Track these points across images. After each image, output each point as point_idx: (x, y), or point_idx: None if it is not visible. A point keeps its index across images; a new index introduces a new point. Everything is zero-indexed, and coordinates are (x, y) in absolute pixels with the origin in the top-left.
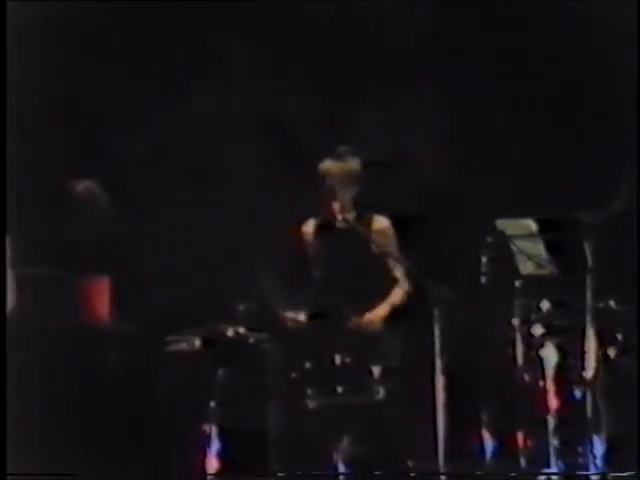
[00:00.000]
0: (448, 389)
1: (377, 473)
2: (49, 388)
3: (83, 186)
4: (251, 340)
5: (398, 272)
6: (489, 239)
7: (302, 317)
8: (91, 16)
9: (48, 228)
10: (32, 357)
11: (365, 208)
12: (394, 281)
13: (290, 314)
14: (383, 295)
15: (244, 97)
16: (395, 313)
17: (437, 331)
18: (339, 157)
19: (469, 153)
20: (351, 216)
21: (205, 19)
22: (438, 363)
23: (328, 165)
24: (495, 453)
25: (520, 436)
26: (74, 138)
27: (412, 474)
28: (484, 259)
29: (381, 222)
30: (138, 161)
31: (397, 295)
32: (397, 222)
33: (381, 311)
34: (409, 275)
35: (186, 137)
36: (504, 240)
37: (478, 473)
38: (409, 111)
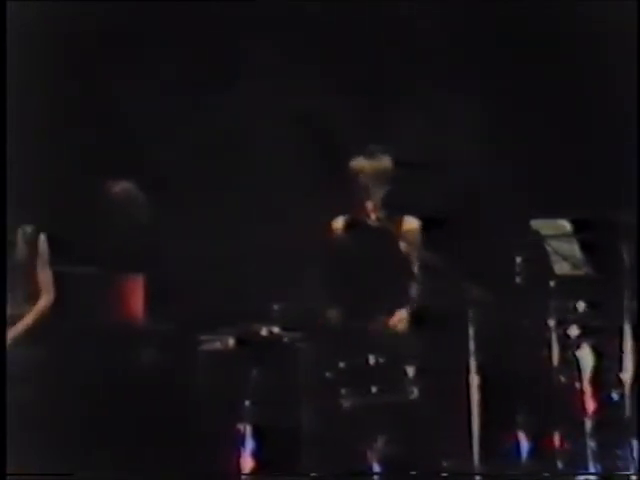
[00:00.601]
0: (482, 389)
1: (411, 473)
2: (84, 386)
3: (120, 187)
4: (285, 339)
5: (417, 271)
6: (524, 239)
7: (335, 314)
8: (121, 15)
9: (85, 227)
10: (67, 354)
11: (396, 207)
12: (412, 279)
13: (324, 313)
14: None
15: (277, 96)
16: (429, 313)
17: (471, 331)
18: (371, 155)
19: (504, 152)
20: (382, 215)
21: (237, 18)
22: (472, 363)
23: (360, 163)
24: (531, 454)
25: (556, 438)
26: (111, 139)
27: (444, 474)
28: (519, 259)
29: (411, 223)
30: (173, 161)
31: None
32: (431, 222)
33: (404, 314)
34: (432, 276)
35: (220, 136)
36: (539, 240)
37: (511, 473)
38: (443, 110)
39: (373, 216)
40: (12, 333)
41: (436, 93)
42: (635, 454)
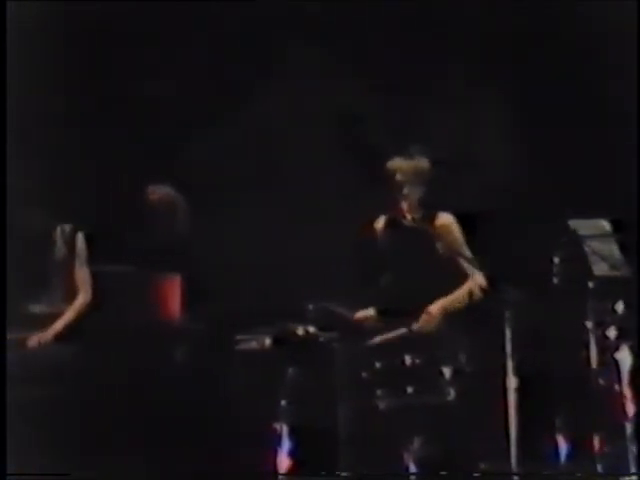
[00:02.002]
0: (520, 391)
1: (447, 473)
2: (120, 385)
3: (161, 191)
4: (321, 339)
5: (466, 266)
6: (562, 239)
7: (371, 313)
8: (157, 14)
9: (123, 227)
10: (104, 353)
11: (433, 207)
12: (464, 276)
13: (360, 312)
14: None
15: (314, 97)
16: (467, 311)
17: (508, 332)
18: (408, 156)
19: (541, 151)
20: (418, 215)
21: (273, 17)
22: (510, 365)
23: (397, 163)
24: (570, 457)
25: (596, 440)
26: (149, 140)
27: (477, 474)
28: (556, 260)
29: (444, 218)
30: (211, 162)
31: (465, 289)
32: (468, 222)
33: (443, 303)
34: (479, 269)
35: (257, 138)
36: (577, 240)
37: (548, 473)
38: (479, 108)
39: (409, 216)
40: (52, 331)
41: (472, 92)
42: None
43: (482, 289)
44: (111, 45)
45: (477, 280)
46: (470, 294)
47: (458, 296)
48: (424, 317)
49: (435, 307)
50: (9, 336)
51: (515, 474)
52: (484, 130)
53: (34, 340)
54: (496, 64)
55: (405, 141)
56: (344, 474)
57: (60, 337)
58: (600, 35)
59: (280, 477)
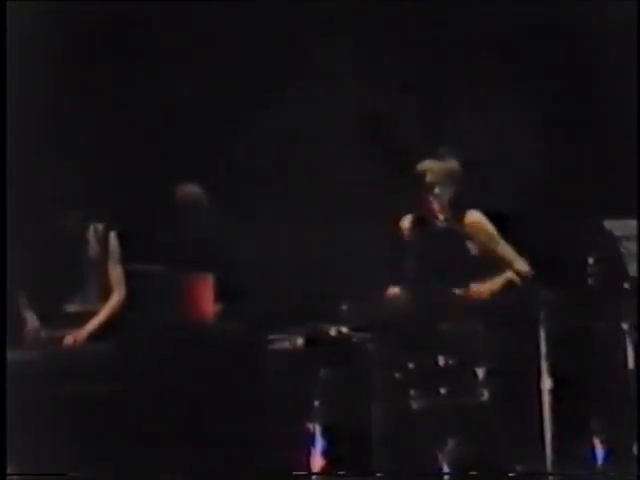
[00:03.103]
0: (554, 393)
1: (480, 473)
2: (152, 384)
3: (187, 189)
4: (354, 340)
5: (508, 255)
6: (597, 240)
7: (397, 290)
8: (188, 14)
9: (157, 226)
10: (137, 352)
11: (464, 208)
12: (506, 264)
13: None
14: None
15: (343, 96)
16: (502, 312)
17: (543, 333)
18: (437, 157)
19: (576, 152)
20: (448, 215)
21: (303, 17)
22: (544, 366)
23: (426, 165)
24: (607, 460)
25: (634, 444)
26: (181, 139)
27: (512, 474)
28: (591, 260)
29: (473, 215)
30: (243, 161)
31: (510, 274)
32: (500, 222)
33: (492, 285)
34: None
35: (288, 136)
36: (612, 241)
37: (582, 472)
38: (510, 108)
39: (440, 217)
40: (87, 330)
41: (503, 92)
42: None
43: (524, 276)
44: (144, 44)
45: (519, 267)
46: (512, 281)
47: (505, 279)
48: (472, 291)
49: (483, 286)
50: (46, 334)
51: (550, 474)
52: (516, 130)
53: (69, 339)
54: (527, 63)
55: (435, 141)
56: (378, 474)
57: (94, 336)
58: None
59: (314, 477)
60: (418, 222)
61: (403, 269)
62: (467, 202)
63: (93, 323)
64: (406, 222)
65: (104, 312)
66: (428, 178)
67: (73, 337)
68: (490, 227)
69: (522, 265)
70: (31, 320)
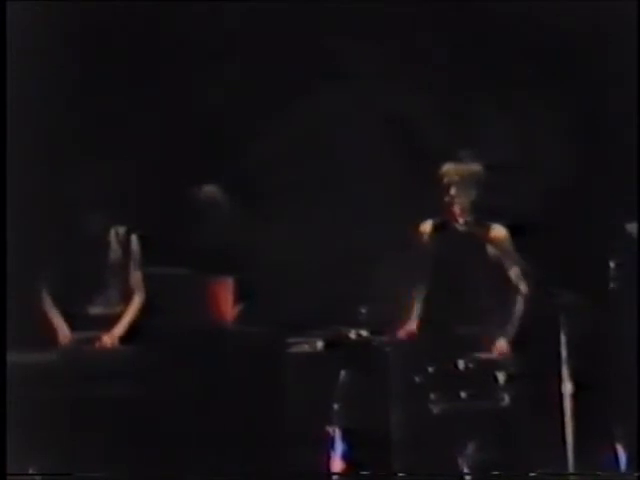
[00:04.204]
0: (576, 397)
1: (501, 473)
2: (173, 386)
3: (206, 191)
4: (373, 343)
5: (516, 278)
6: (618, 243)
7: (413, 326)
8: (210, 15)
9: (177, 229)
10: (157, 354)
11: (486, 211)
12: (514, 289)
13: (401, 331)
14: (498, 299)
15: (366, 98)
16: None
17: (564, 337)
18: (460, 160)
19: (598, 155)
20: (470, 219)
21: (325, 19)
22: (565, 371)
23: (449, 167)
24: (629, 466)
25: None
26: (203, 141)
27: (533, 474)
28: (613, 264)
29: (498, 230)
30: (264, 163)
31: (519, 308)
32: (522, 226)
33: (509, 335)
34: (528, 281)
35: (308, 139)
36: (634, 244)
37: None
38: (532, 112)
39: (461, 220)
40: (117, 332)
41: (526, 95)
42: None
43: (529, 300)
44: (167, 45)
45: (524, 289)
46: (523, 309)
47: (516, 319)
48: (495, 352)
49: (502, 343)
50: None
51: (571, 474)
52: (538, 133)
53: (105, 340)
54: (553, 65)
55: (458, 144)
56: (400, 474)
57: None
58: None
59: (334, 477)
60: (439, 226)
61: (420, 273)
62: (489, 205)
63: (122, 325)
64: (427, 226)
65: (129, 314)
66: (450, 181)
67: (106, 339)
68: (511, 247)
69: (525, 288)
70: (59, 322)
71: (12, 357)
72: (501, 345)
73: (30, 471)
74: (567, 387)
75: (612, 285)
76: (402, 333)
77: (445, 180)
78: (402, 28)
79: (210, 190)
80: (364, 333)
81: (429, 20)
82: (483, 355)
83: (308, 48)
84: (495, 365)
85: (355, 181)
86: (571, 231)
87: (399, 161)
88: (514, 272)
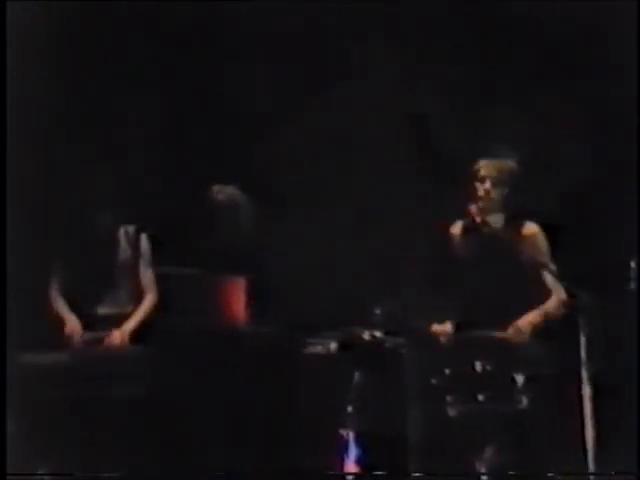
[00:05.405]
0: (595, 400)
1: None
2: (185, 386)
3: (225, 192)
4: (388, 344)
5: (550, 280)
6: (638, 243)
7: (449, 328)
8: (229, 14)
9: (189, 229)
10: (169, 355)
11: (514, 210)
12: (546, 289)
13: (436, 326)
14: (529, 303)
15: (388, 97)
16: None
17: (583, 339)
18: (490, 158)
19: (620, 154)
20: (500, 219)
21: (347, 17)
22: (584, 373)
23: (479, 166)
24: None
25: None
26: (215, 141)
27: (551, 474)
28: (633, 264)
29: (531, 227)
30: (278, 163)
31: (552, 304)
32: (545, 226)
33: (532, 318)
34: (561, 283)
35: (326, 139)
36: None
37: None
38: (555, 111)
39: (489, 221)
40: (127, 330)
41: (548, 94)
42: None
43: (564, 304)
44: (183, 46)
45: (560, 295)
46: (556, 309)
47: (545, 310)
48: (512, 330)
49: (524, 321)
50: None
51: (591, 474)
52: (561, 132)
53: (114, 338)
54: (577, 64)
55: (484, 143)
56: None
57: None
58: None
59: (349, 477)
60: (469, 226)
61: (450, 276)
62: (517, 204)
63: (131, 324)
64: (457, 227)
65: (140, 314)
66: (478, 179)
67: (116, 337)
68: (545, 244)
69: (562, 293)
70: (71, 320)
71: (24, 358)
72: (522, 323)
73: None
74: (587, 389)
75: (632, 286)
76: (436, 332)
77: (481, 174)
78: (425, 26)
79: (225, 190)
80: (378, 334)
81: (453, 18)
82: (499, 334)
83: (330, 46)
84: (513, 367)
85: (372, 181)
86: (591, 231)
87: (418, 161)
88: (549, 270)
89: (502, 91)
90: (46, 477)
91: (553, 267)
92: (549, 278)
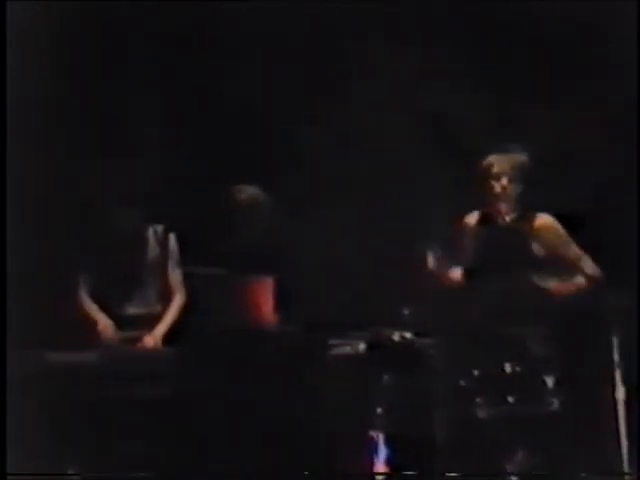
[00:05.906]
0: (629, 403)
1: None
2: (212, 387)
3: (247, 192)
4: (417, 345)
5: (574, 256)
6: None
7: (458, 274)
8: (239, 14)
9: (216, 228)
10: (196, 355)
11: (530, 205)
12: (576, 269)
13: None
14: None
15: (407, 95)
16: (572, 317)
17: (616, 340)
18: (505, 153)
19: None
20: (514, 213)
21: (365, 15)
22: (618, 375)
23: (494, 160)
24: None
25: None
26: (240, 141)
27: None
28: None
29: (544, 218)
30: (304, 163)
31: (580, 281)
32: (570, 223)
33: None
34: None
35: (348, 137)
36: None
37: None
38: (572, 106)
39: (506, 216)
40: (161, 330)
41: (564, 89)
42: None
43: (594, 279)
44: (202, 45)
45: (590, 270)
46: (582, 286)
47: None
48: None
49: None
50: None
51: (626, 474)
52: (583, 128)
53: (148, 340)
54: (594, 60)
55: (502, 138)
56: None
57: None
58: None
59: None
60: (484, 219)
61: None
62: (534, 199)
63: (164, 324)
64: (472, 219)
65: (170, 316)
66: (494, 174)
67: (148, 339)
68: (561, 229)
69: (592, 268)
70: (102, 319)
71: (53, 357)
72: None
73: (69, 471)
74: (620, 391)
75: None
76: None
77: (489, 173)
78: (444, 24)
79: (250, 189)
80: (407, 335)
81: (471, 15)
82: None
83: (348, 44)
84: (544, 368)
85: (397, 179)
86: (619, 229)
87: (440, 157)
88: (572, 252)
89: (521, 87)
90: (49, 477)
91: (575, 247)
92: (577, 255)
